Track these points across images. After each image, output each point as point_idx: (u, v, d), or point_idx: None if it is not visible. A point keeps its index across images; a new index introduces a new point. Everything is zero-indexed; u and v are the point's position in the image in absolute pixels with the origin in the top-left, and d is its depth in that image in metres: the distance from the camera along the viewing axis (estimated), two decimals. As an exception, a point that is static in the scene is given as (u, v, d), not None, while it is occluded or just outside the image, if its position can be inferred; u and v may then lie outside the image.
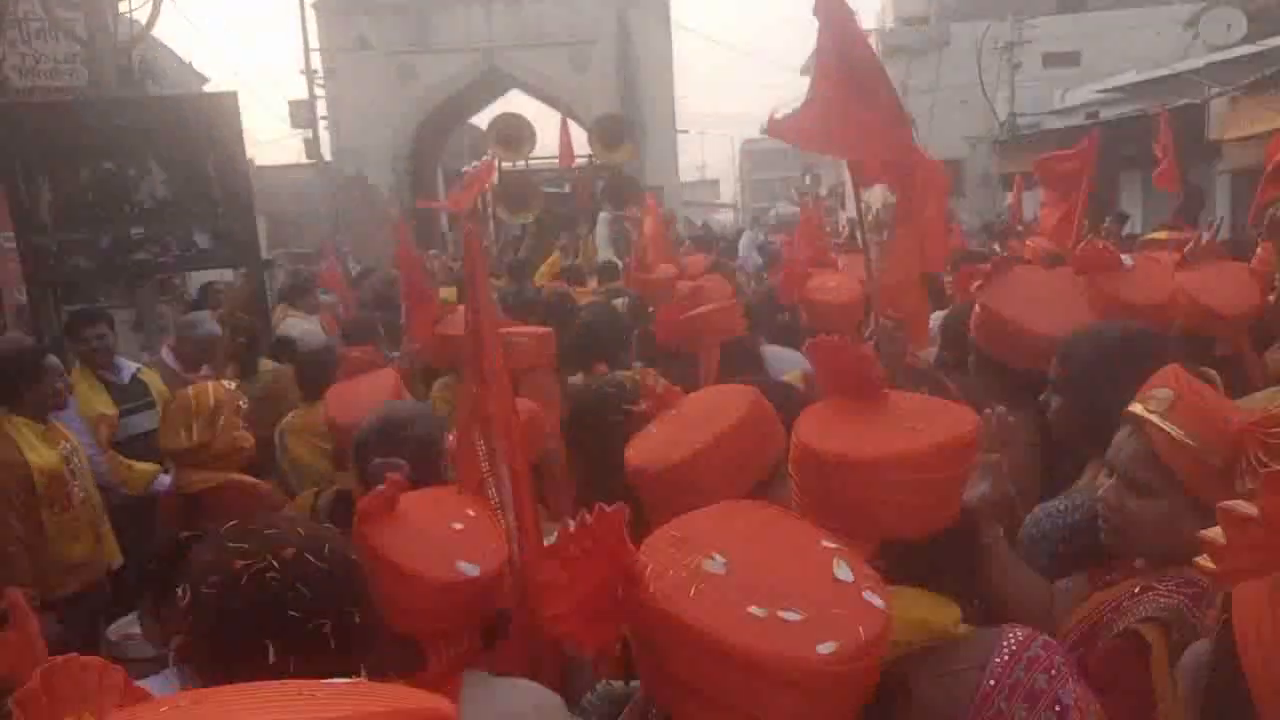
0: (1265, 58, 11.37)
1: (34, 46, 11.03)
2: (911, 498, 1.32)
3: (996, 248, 7.44)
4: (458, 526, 1.58)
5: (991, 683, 1.25)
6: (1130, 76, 15.05)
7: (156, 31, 9.79)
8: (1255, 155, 10.55)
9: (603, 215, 9.36)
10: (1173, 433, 1.50)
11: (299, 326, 6.81)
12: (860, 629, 1.03)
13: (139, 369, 5.04)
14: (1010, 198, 9.41)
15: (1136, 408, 1.57)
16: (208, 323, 5.76)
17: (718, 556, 1.10)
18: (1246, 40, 13.81)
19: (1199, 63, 13.00)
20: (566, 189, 13.63)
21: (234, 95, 6.66)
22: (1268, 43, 12.04)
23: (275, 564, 1.22)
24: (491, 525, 1.64)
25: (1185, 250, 3.27)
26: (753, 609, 1.03)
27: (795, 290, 4.37)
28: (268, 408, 4.18)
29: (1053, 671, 1.26)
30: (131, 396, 4.81)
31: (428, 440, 2.32)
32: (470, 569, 1.49)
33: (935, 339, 3.47)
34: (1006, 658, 1.28)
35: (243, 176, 6.68)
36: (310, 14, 22.25)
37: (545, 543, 1.32)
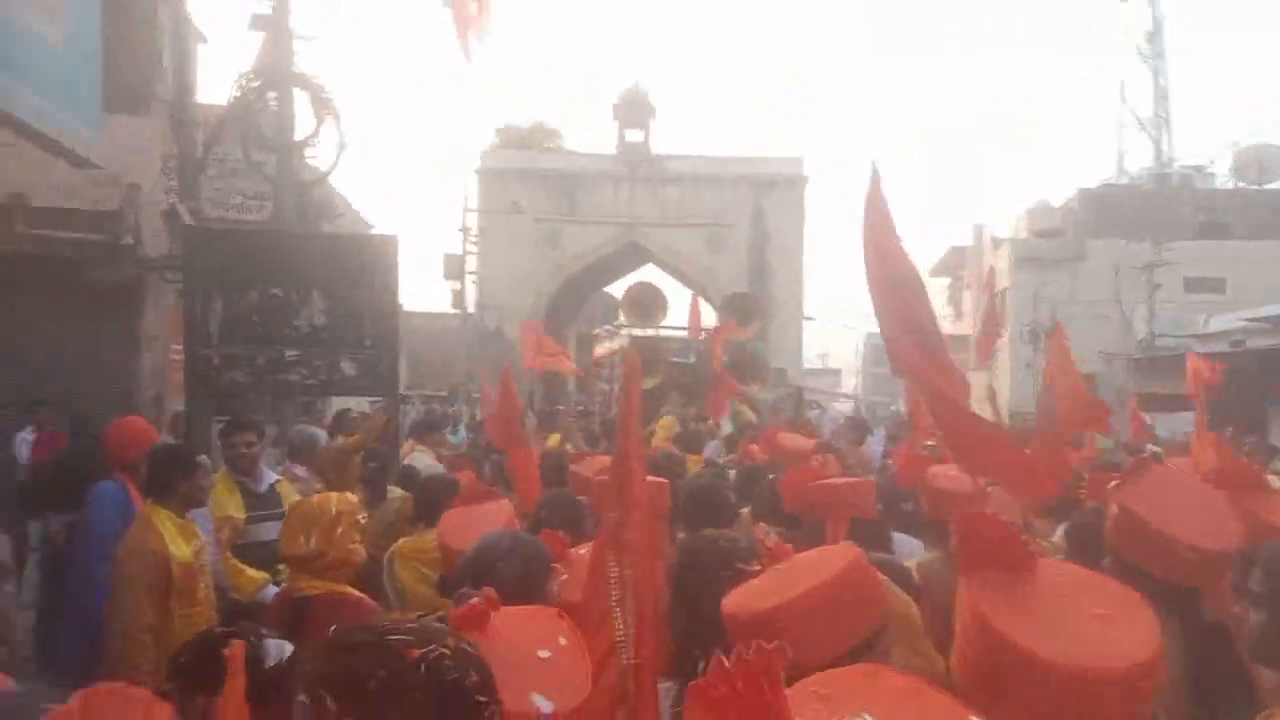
0: None
1: (229, 183, 12.29)
2: (1123, 711, 1.22)
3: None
4: (544, 655, 1.52)
5: None
6: (1279, 307, 14.61)
7: (336, 182, 10.79)
8: None
9: None
10: None
11: (424, 460, 7.03)
12: None
13: (278, 480, 5.25)
14: (1134, 426, 9.12)
15: None
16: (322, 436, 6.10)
17: (866, 716, 1.04)
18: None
19: (1354, 298, 12.55)
20: (691, 359, 13.92)
21: (395, 239, 7.20)
22: None
23: (447, 650, 1.19)
24: (581, 657, 1.57)
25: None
26: None
27: (915, 477, 4.29)
28: (395, 534, 4.31)
29: None
30: (265, 504, 5.00)
31: (523, 573, 2.30)
32: (545, 704, 1.42)
33: (1060, 548, 3.34)
34: None
35: (392, 314, 7.13)
36: (473, 178, 24.12)
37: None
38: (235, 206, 12.50)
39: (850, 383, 49.80)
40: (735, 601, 1.72)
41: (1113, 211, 22.12)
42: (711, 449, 7.78)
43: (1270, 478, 2.78)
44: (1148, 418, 10.20)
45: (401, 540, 4.03)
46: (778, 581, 1.75)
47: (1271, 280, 17.85)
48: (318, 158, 10.04)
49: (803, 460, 4.95)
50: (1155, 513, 2.41)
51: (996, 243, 24.64)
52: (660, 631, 2.43)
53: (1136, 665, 1.20)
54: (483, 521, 3.02)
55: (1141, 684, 1.20)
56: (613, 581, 1.54)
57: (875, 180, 3.14)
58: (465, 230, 23.74)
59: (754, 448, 6.67)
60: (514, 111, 49.49)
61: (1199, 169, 24.85)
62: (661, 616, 2.41)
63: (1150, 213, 21.16)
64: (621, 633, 1.52)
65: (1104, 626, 1.26)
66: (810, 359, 37.84)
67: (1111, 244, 20.30)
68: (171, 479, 3.91)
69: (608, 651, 1.52)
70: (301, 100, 9.15)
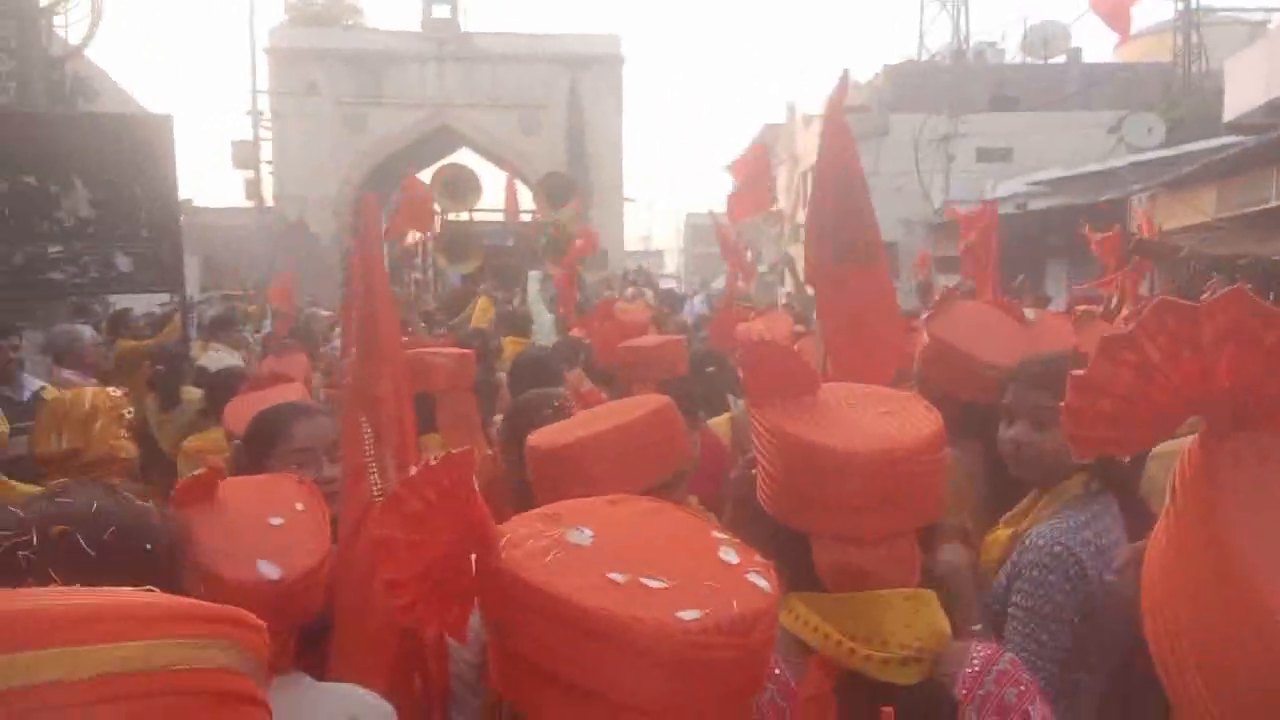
0: (1182, 159, 11.97)
1: (-36, 63, 10.77)
2: (922, 485, 1.30)
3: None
4: (276, 522, 1.46)
5: (962, 692, 1.26)
6: (1057, 172, 15.72)
7: (95, 56, 9.65)
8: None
9: (533, 273, 9.35)
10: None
11: (222, 360, 6.59)
12: (734, 602, 0.92)
13: (42, 388, 4.82)
14: (923, 274, 9.83)
15: None
16: (87, 333, 5.62)
17: (585, 529, 1.00)
18: (1165, 145, 14.57)
19: (1121, 162, 13.64)
20: (509, 243, 13.64)
21: (169, 118, 6.55)
22: (1184, 147, 12.70)
23: (34, 541, 1.07)
24: (318, 522, 1.51)
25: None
26: (613, 575, 0.92)
27: (728, 337, 4.38)
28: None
29: (1021, 687, 1.28)
30: (28, 415, 4.56)
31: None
32: (270, 570, 1.37)
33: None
34: (977, 669, 1.28)
35: (172, 203, 6.53)
36: (261, 57, 22.22)
37: None
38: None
39: (673, 262, 50.56)
40: (539, 437, 1.73)
41: (914, 87, 22.97)
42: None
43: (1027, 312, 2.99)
44: (940, 277, 10.95)
45: (189, 438, 3.79)
46: (585, 420, 1.79)
47: (1053, 148, 19.14)
48: (68, 28, 8.94)
49: (631, 329, 4.96)
50: (960, 337, 2.58)
51: (807, 120, 25.19)
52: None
53: (921, 440, 1.28)
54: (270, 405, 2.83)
55: (929, 457, 1.29)
56: (366, 437, 1.46)
57: (842, 85, 3.08)
58: (256, 114, 21.97)
59: (590, 321, 6.65)
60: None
61: (992, 44, 26.12)
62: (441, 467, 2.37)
63: (947, 87, 22.13)
64: (378, 486, 1.45)
65: (889, 419, 1.34)
66: (633, 240, 38.11)
67: (912, 118, 21.17)
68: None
69: (366, 506, 1.45)
70: (43, -39, 8.04)
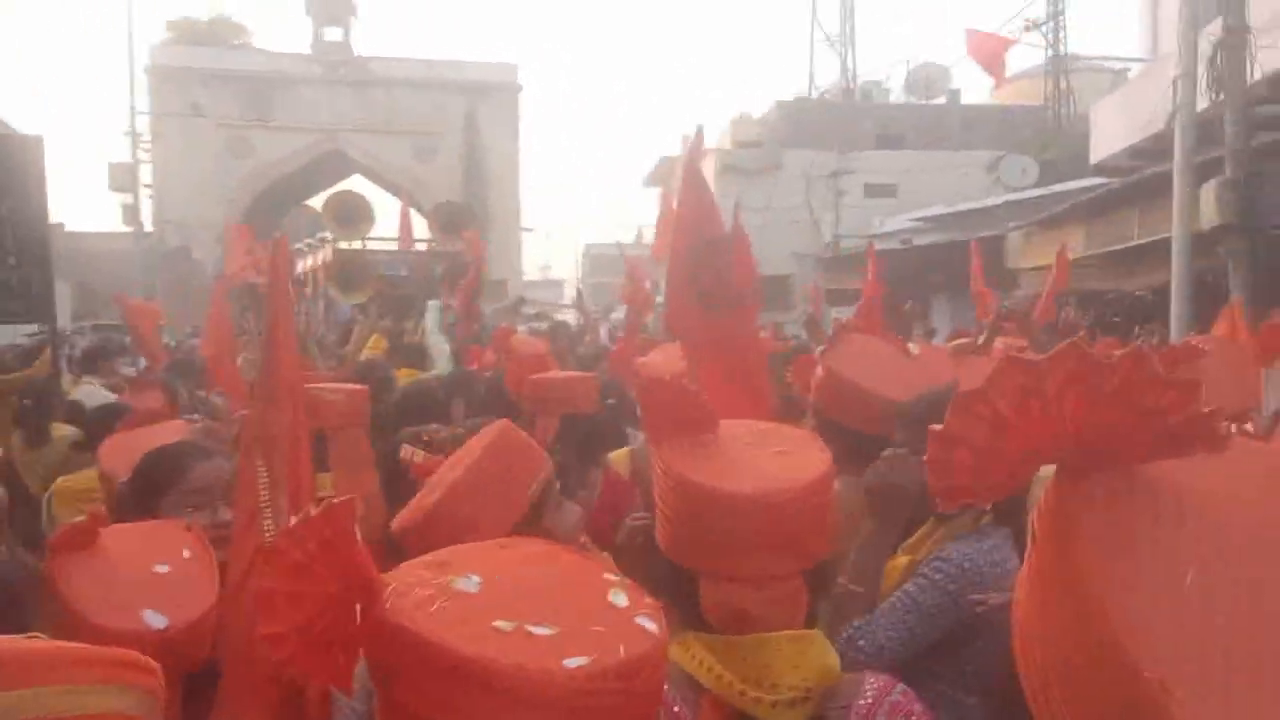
0: (1054, 199, 12.68)
1: None
2: (807, 527, 1.32)
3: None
4: (161, 570, 1.43)
5: None
6: (939, 209, 16.45)
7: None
8: (1045, 282, 11.66)
9: (432, 303, 9.20)
10: None
11: (96, 394, 6.24)
12: (621, 647, 0.92)
13: (-113, 426, 4.47)
14: (813, 308, 10.16)
15: None
16: None
17: (473, 576, 1.00)
18: (1039, 184, 15.42)
19: (998, 200, 14.35)
20: (403, 273, 13.38)
21: (39, 139, 6.22)
22: (1055, 187, 13.46)
23: None
24: (205, 570, 1.49)
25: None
26: (498, 623, 0.92)
27: (627, 369, 4.38)
28: (68, 474, 3.78)
29: (914, 718, 1.31)
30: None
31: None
32: (156, 620, 1.35)
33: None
34: (870, 700, 1.30)
35: (40, 227, 6.18)
36: (140, 76, 21.38)
37: None
38: None
39: (572, 293, 50.60)
40: (401, 520, 1.70)
41: (805, 123, 23.74)
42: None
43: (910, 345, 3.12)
44: (831, 310, 11.24)
45: (61, 479, 3.56)
46: (436, 483, 1.77)
47: (936, 185, 20.06)
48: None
49: (535, 361, 4.93)
50: (854, 371, 2.66)
51: (703, 152, 25.71)
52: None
53: (810, 482, 1.33)
54: (149, 444, 2.69)
55: (814, 499, 1.33)
56: (261, 481, 1.40)
57: (698, 138, 3.12)
58: (134, 135, 21.06)
59: (486, 353, 6.58)
60: (189, 2, 44.45)
61: (878, 84, 27.24)
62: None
63: (836, 125, 22.96)
64: (270, 531, 1.40)
65: (783, 459, 1.38)
66: (531, 271, 38.00)
67: (803, 154, 21.86)
68: None
69: (256, 551, 1.40)
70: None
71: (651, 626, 0.98)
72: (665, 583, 1.41)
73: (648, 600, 1.05)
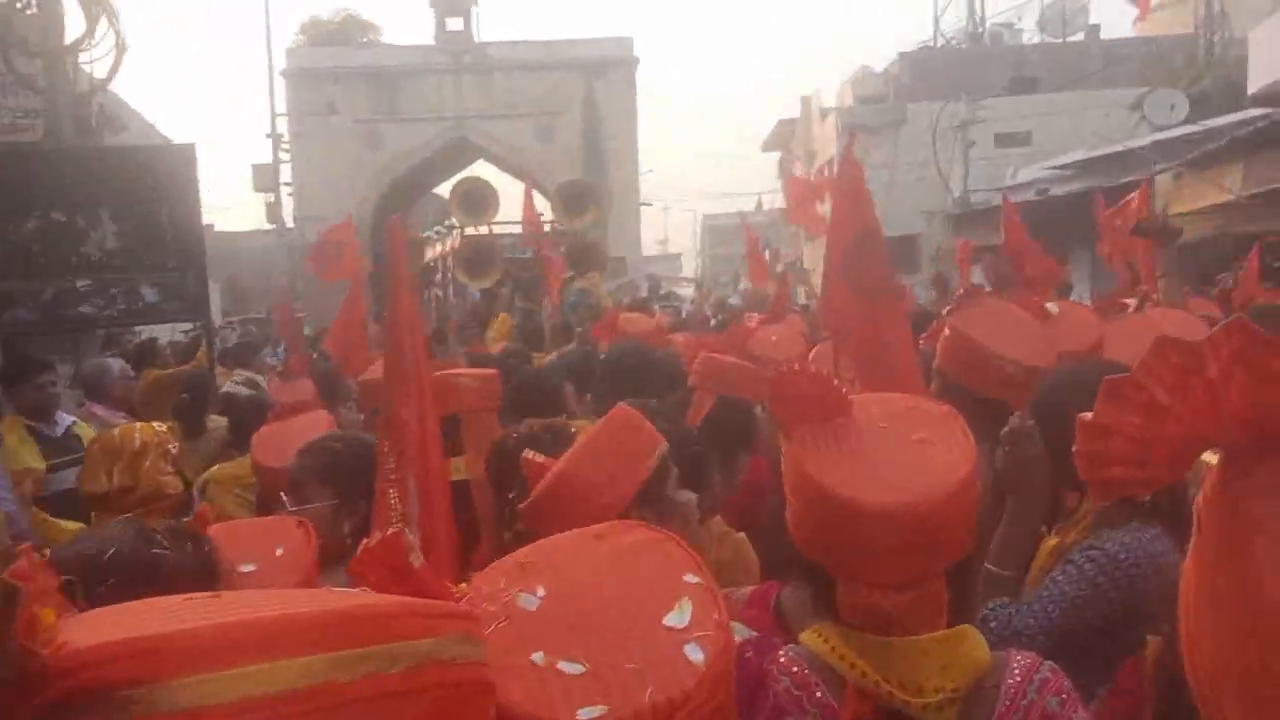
0: (1207, 135, 11.78)
1: (-8, 102, 10.95)
2: (950, 531, 1.28)
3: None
4: (246, 569, 1.44)
5: (1006, 704, 1.26)
6: (1078, 155, 15.52)
7: (122, 91, 9.77)
8: (1200, 227, 10.87)
9: (576, 284, 9.36)
10: None
11: (243, 387, 6.66)
12: (647, 694, 0.89)
13: (75, 423, 4.91)
14: (960, 267, 9.66)
15: None
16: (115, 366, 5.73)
17: (539, 589, 1.01)
18: (1188, 120, 14.33)
19: (1144, 141, 13.45)
20: (529, 254, 13.65)
21: (191, 147, 6.65)
22: (1208, 123, 12.50)
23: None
24: (294, 568, 1.49)
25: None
26: (535, 655, 0.92)
27: (740, 346, 4.34)
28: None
29: (1063, 695, 1.29)
30: (64, 450, 4.66)
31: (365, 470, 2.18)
32: None
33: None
34: (1018, 679, 1.29)
35: (196, 231, 6.62)
36: (278, 79, 22.44)
37: None
38: (4, 128, 11.15)
39: (691, 265, 50.34)
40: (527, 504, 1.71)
41: (930, 73, 22.75)
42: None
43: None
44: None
45: (215, 467, 3.82)
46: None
47: (1073, 130, 18.89)
48: (94, 64, 9.05)
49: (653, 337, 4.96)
50: (981, 332, 2.57)
51: (823, 113, 25.04)
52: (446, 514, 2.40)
53: (954, 489, 1.24)
54: (297, 435, 2.85)
55: (958, 507, 1.25)
56: (388, 460, 1.47)
57: (853, 135, 3.09)
58: (275, 137, 22.16)
59: (596, 333, 6.63)
60: (318, 3, 46.16)
61: (1008, 26, 25.83)
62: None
63: (964, 72, 21.92)
64: (398, 510, 1.46)
65: (923, 451, 1.30)
66: (649, 244, 38.03)
67: (929, 106, 20.95)
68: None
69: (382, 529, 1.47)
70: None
71: (698, 658, 0.94)
72: (801, 571, 1.40)
73: (715, 616, 1.00)
